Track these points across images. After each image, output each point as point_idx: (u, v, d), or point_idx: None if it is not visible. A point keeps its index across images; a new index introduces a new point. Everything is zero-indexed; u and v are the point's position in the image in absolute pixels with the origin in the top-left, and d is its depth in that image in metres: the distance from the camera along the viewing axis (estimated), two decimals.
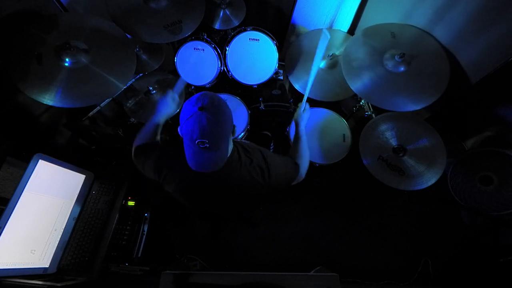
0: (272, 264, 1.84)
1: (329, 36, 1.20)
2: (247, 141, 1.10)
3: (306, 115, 1.33)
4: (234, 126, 0.90)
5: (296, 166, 1.12)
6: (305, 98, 1.38)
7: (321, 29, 1.35)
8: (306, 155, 1.21)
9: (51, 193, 1.31)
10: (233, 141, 0.96)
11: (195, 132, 0.79)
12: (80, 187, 1.45)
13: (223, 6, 1.74)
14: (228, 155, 0.92)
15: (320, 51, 1.23)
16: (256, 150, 1.03)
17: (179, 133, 0.87)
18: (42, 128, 1.56)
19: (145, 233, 1.49)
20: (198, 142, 0.80)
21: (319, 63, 1.35)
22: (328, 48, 1.75)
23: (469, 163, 1.72)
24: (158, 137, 1.17)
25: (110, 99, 1.64)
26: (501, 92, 1.49)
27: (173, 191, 1.02)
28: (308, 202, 2.03)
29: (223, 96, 1.83)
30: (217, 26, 1.77)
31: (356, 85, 1.46)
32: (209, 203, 1.12)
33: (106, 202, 1.47)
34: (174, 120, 1.76)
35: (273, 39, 1.70)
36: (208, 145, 0.81)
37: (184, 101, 1.68)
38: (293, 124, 1.39)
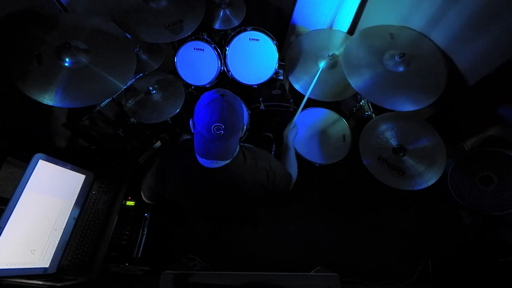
0: (272, 264, 1.84)
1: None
2: (249, 145, 1.12)
3: (294, 132, 1.41)
4: (244, 124, 0.92)
5: (289, 174, 1.19)
6: (297, 113, 1.47)
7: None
8: (295, 164, 1.29)
9: (51, 193, 1.30)
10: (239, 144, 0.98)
11: (214, 115, 0.81)
12: (80, 187, 1.44)
13: (223, 6, 1.73)
14: (236, 153, 0.93)
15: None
16: (260, 153, 1.07)
17: (192, 122, 0.89)
18: (42, 128, 1.56)
19: (145, 233, 1.49)
20: (214, 127, 0.81)
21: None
22: (328, 48, 1.77)
23: (469, 163, 1.72)
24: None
25: (110, 99, 1.64)
26: (501, 92, 1.49)
27: (174, 189, 1.05)
28: (308, 202, 2.02)
29: None
30: (217, 26, 1.77)
31: (356, 82, 1.46)
32: (210, 202, 1.12)
33: (106, 202, 1.46)
34: (174, 121, 1.77)
35: (273, 39, 1.70)
36: (222, 132, 0.82)
37: (186, 100, 1.71)
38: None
